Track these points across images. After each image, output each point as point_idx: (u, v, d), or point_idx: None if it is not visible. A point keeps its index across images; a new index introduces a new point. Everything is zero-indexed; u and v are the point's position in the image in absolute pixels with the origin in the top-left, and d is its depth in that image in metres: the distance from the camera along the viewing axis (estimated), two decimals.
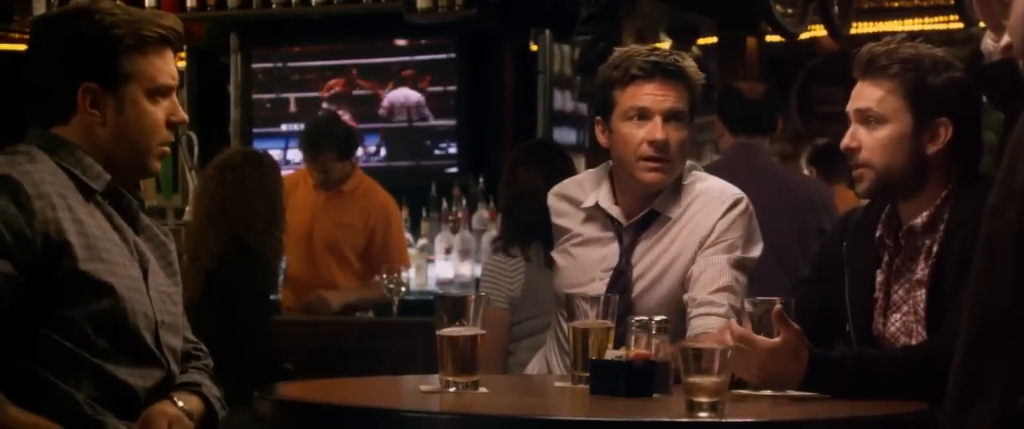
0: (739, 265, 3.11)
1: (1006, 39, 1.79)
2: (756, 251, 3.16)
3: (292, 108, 7.40)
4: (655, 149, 3.07)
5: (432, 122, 7.28)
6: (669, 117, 3.08)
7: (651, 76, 3.08)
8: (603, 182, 3.21)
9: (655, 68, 3.08)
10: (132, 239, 2.59)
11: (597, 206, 3.19)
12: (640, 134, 3.08)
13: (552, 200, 3.31)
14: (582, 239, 3.22)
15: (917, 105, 2.77)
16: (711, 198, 3.16)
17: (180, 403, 2.54)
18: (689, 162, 3.24)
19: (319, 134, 6.06)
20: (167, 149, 2.65)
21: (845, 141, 2.81)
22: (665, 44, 7.50)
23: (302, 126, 6.76)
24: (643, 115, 3.08)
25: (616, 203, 3.18)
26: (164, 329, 2.57)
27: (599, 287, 3.11)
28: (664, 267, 3.14)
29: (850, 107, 2.83)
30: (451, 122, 7.25)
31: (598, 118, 3.19)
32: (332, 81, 7.40)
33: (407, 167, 7.27)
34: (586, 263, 3.19)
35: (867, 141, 2.79)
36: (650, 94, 3.08)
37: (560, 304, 3.16)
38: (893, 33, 2.96)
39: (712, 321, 3.03)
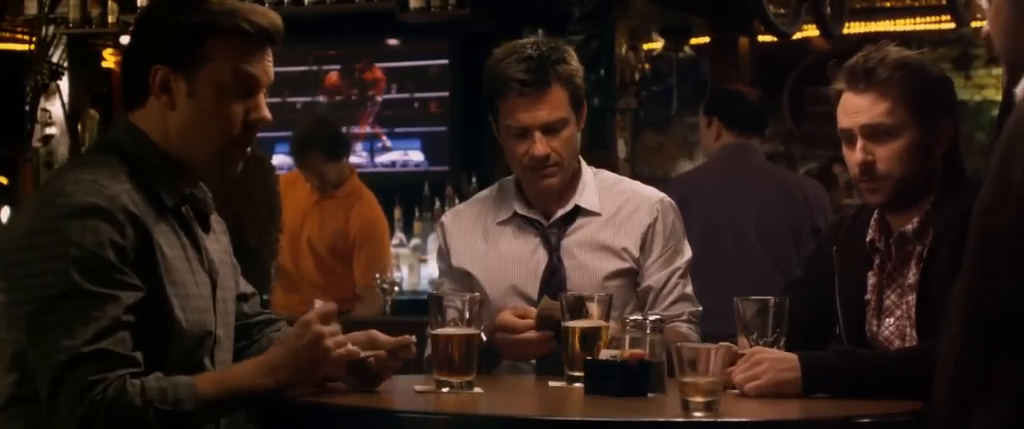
0: (688, 270, 3.19)
1: None
2: (690, 250, 3.23)
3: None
4: (538, 163, 3.09)
5: (425, 121, 7.27)
6: (548, 130, 3.08)
7: (523, 92, 3.06)
8: (511, 193, 3.21)
9: (524, 85, 3.05)
10: (203, 247, 2.52)
11: (515, 215, 3.18)
12: (522, 149, 3.10)
13: (449, 223, 3.26)
14: (503, 252, 3.17)
15: (922, 110, 2.74)
16: (644, 199, 3.20)
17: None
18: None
19: (305, 137, 6.04)
20: (242, 152, 2.48)
21: (858, 157, 2.74)
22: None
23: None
24: (522, 133, 3.09)
25: (532, 207, 3.19)
26: (218, 347, 2.53)
27: (532, 289, 3.10)
28: (595, 261, 3.14)
29: (851, 123, 2.75)
30: (444, 122, 7.24)
31: (490, 118, 3.18)
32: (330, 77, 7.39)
33: (401, 167, 7.26)
34: (518, 270, 3.15)
35: (882, 154, 2.73)
36: (525, 111, 3.07)
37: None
38: (885, 33, 2.95)
39: (682, 328, 3.11)
